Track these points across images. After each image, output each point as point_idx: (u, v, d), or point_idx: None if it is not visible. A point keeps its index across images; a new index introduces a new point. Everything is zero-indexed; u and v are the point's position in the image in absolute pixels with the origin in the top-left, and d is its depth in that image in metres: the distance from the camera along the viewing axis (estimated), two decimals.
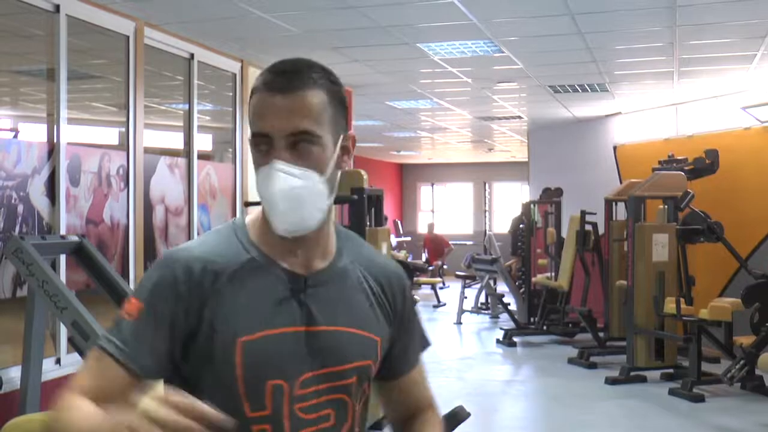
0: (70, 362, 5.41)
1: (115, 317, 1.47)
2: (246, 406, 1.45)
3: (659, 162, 9.40)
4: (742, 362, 7.23)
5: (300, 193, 1.45)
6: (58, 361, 5.47)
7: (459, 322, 13.04)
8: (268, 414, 1.46)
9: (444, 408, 2.03)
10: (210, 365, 1.45)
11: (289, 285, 1.51)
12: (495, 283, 13.98)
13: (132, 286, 5.99)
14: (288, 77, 1.47)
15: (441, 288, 16.50)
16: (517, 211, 17.33)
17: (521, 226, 12.96)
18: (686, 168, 8.94)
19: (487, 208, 21.77)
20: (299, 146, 1.45)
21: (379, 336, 1.61)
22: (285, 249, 1.53)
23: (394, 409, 1.80)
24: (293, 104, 1.45)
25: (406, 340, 1.72)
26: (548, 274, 11.67)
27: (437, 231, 19.45)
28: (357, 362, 1.56)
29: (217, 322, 1.44)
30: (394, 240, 17.80)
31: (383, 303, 1.64)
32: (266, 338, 1.46)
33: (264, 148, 1.46)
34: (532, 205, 12.44)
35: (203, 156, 7.51)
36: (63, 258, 5.39)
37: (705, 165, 8.87)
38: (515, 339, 10.95)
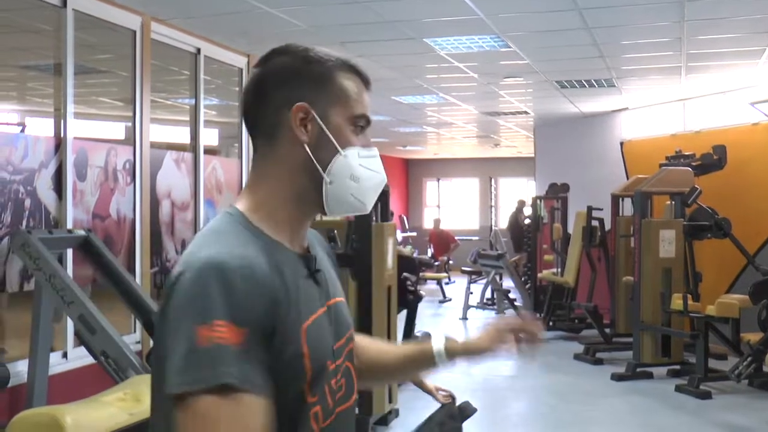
0: (77, 356, 5.41)
1: (206, 349, 1.25)
2: (308, 393, 1.42)
3: (666, 158, 9.38)
4: (749, 359, 7.21)
5: (384, 183, 1.59)
6: (64, 355, 5.48)
7: (464, 318, 13.03)
8: (320, 395, 1.46)
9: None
10: (281, 365, 1.35)
11: (305, 266, 1.51)
12: (501, 279, 13.97)
13: (138, 280, 6.00)
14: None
15: (446, 283, 16.49)
16: (514, 208, 17.46)
17: (527, 221, 12.92)
18: (693, 164, 8.92)
19: (493, 204, 21.73)
20: None
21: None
22: (291, 231, 1.52)
23: None
24: None
25: None
26: (554, 270, 11.66)
27: (443, 226, 19.43)
28: (351, 327, 1.65)
29: (288, 317, 1.38)
30: (399, 235, 17.79)
31: (335, 266, 1.73)
32: (316, 321, 1.47)
33: (360, 131, 1.55)
34: (538, 201, 12.43)
35: (209, 151, 7.51)
36: (70, 252, 5.40)
37: (712, 161, 8.85)
38: (521, 335, 10.92)
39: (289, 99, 1.49)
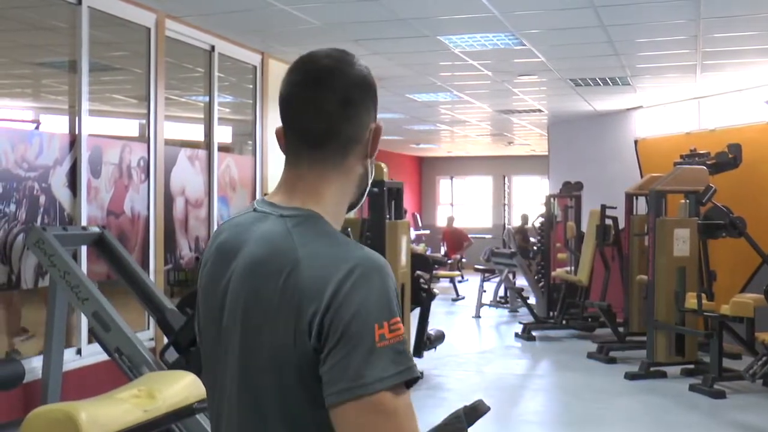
0: (91, 352, 5.44)
1: (398, 344, 1.31)
2: None
3: (681, 156, 9.34)
4: (764, 359, 7.17)
5: None
6: (79, 352, 5.51)
7: (478, 316, 13.02)
8: None
9: (463, 401, 2.02)
10: None
11: None
12: (514, 277, 13.95)
13: (152, 277, 6.02)
14: None
15: (460, 281, 16.49)
16: (519, 222, 17.51)
17: (540, 221, 12.89)
18: (708, 162, 8.88)
19: (506, 202, 21.72)
20: None
21: None
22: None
23: None
24: None
25: None
26: (568, 269, 11.63)
27: (456, 224, 19.42)
28: None
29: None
30: (413, 233, 17.79)
31: None
32: None
33: None
34: (552, 199, 12.40)
35: (223, 148, 7.52)
36: (84, 249, 5.42)
37: (727, 159, 8.81)
38: (534, 333, 10.93)
39: (370, 117, 1.53)
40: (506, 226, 19.78)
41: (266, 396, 1.38)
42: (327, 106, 1.46)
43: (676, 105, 11.00)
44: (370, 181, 1.58)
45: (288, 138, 1.51)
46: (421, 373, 8.16)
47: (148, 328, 6.23)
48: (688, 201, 8.69)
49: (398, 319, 1.32)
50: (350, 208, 1.58)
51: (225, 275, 1.47)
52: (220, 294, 1.47)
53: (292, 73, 1.50)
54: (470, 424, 2.39)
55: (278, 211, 1.46)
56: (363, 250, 1.39)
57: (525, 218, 16.95)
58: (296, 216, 1.44)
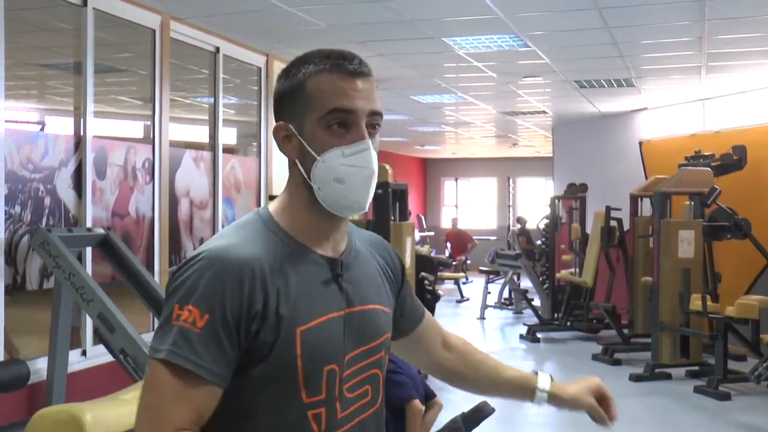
0: (96, 354, 5.44)
1: (171, 328, 1.42)
2: (303, 393, 1.49)
3: (686, 158, 9.33)
4: None
5: (376, 174, 1.58)
6: (83, 353, 5.51)
7: (482, 317, 13.01)
8: (323, 398, 1.51)
9: (468, 404, 2.03)
10: (269, 360, 1.46)
11: (329, 269, 1.57)
12: (518, 279, 13.93)
13: (157, 278, 6.02)
14: (359, 63, 1.56)
15: (464, 283, 16.48)
16: (521, 215, 17.52)
17: (544, 223, 12.87)
18: (713, 164, 8.87)
19: (510, 204, 21.69)
20: (371, 128, 1.56)
21: (389, 308, 1.73)
22: (319, 235, 1.58)
23: (428, 354, 1.94)
24: (371, 87, 1.56)
25: (410, 295, 1.88)
26: (572, 270, 11.62)
27: (461, 226, 19.41)
28: (383, 336, 1.66)
29: (279, 316, 1.46)
30: (417, 235, 17.79)
31: (389, 275, 1.77)
32: (319, 325, 1.50)
33: (339, 127, 1.53)
34: (556, 201, 12.39)
35: (228, 149, 7.53)
36: (89, 250, 5.42)
37: (732, 161, 8.79)
38: (539, 335, 10.92)
39: (278, 118, 1.59)
40: (510, 227, 19.77)
41: None
42: None
43: (681, 107, 10.99)
44: (313, 180, 1.53)
45: None
46: (425, 375, 8.15)
47: (153, 330, 6.23)
48: (692, 203, 8.67)
49: (192, 308, 1.41)
50: (326, 207, 1.55)
51: None
52: None
53: None
54: (475, 425, 2.40)
55: None
56: (215, 241, 1.50)
57: (521, 221, 16.96)
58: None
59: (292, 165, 1.59)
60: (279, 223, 1.57)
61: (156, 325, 6.05)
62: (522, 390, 1.99)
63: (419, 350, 1.93)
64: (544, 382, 2.00)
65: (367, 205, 1.59)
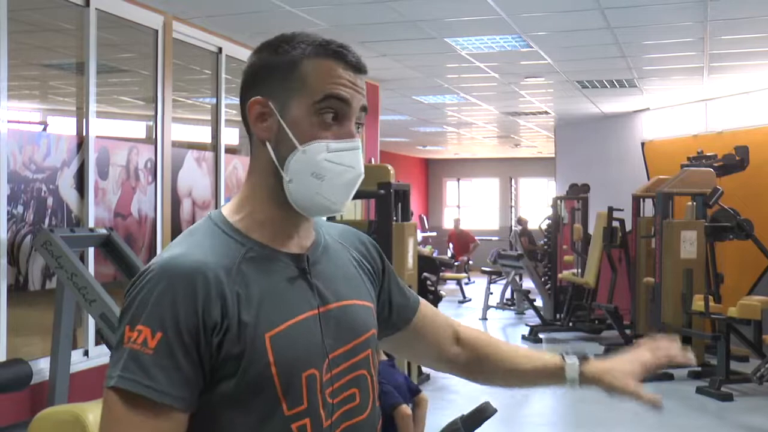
0: (98, 354, 5.45)
1: (122, 352, 1.28)
2: (284, 405, 1.35)
3: (688, 158, 9.33)
4: None
5: (362, 177, 1.45)
6: (86, 353, 5.51)
7: (484, 318, 13.01)
8: (305, 408, 1.37)
9: (470, 404, 2.02)
10: (239, 374, 1.32)
11: (295, 266, 1.43)
12: (521, 279, 13.93)
13: None
14: (357, 57, 1.45)
15: (466, 283, 16.48)
16: (521, 215, 17.53)
17: (547, 223, 12.87)
18: (715, 164, 8.87)
19: (513, 204, 21.69)
20: (356, 125, 1.44)
21: (371, 303, 1.58)
22: (280, 230, 1.44)
23: (435, 350, 1.77)
24: (362, 83, 1.45)
25: (397, 284, 1.71)
26: (575, 271, 11.62)
27: (463, 226, 19.41)
28: (367, 333, 1.52)
29: (242, 324, 1.32)
30: (419, 235, 17.78)
31: (366, 268, 1.61)
32: (291, 328, 1.37)
33: (332, 117, 1.41)
34: (559, 201, 12.39)
35: (230, 150, 7.53)
36: (91, 251, 5.43)
37: (735, 161, 8.79)
38: (541, 335, 10.92)
39: (253, 95, 1.44)
40: (513, 228, 19.77)
41: None
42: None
43: (683, 107, 10.98)
44: (284, 171, 1.40)
45: None
46: (428, 375, 8.16)
47: None
48: (695, 203, 8.67)
49: (142, 328, 1.27)
50: (294, 205, 1.41)
51: None
52: None
53: None
54: (477, 426, 2.39)
55: None
56: (165, 253, 1.36)
57: (522, 221, 16.98)
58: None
59: (258, 147, 1.44)
60: (233, 224, 1.43)
61: None
62: (553, 377, 1.75)
63: (421, 345, 1.76)
64: (572, 367, 1.72)
65: (343, 209, 1.46)
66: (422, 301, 1.76)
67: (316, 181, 1.39)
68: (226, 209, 1.46)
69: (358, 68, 1.44)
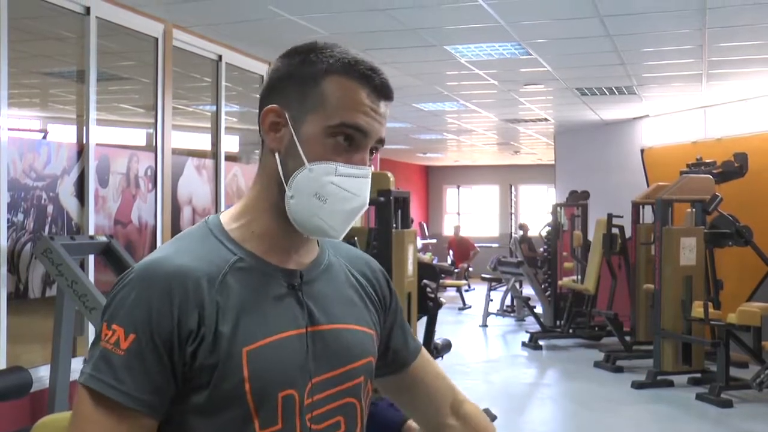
0: None
1: (97, 349, 1.28)
2: (256, 422, 1.30)
3: (687, 165, 9.34)
4: None
5: (365, 208, 1.41)
6: (86, 361, 5.50)
7: (484, 325, 13.01)
8: (279, 429, 1.32)
9: None
10: (211, 385, 1.28)
11: (285, 282, 1.38)
12: (521, 286, 13.93)
13: None
14: (387, 83, 1.39)
15: (466, 290, 16.48)
16: (524, 222, 17.58)
17: (546, 230, 12.87)
18: (714, 171, 8.88)
19: (513, 211, 21.71)
20: (370, 153, 1.40)
21: (372, 330, 1.51)
22: (277, 246, 1.40)
23: (426, 409, 1.67)
24: (386, 111, 1.40)
25: (401, 326, 1.64)
26: (574, 278, 11.63)
27: (463, 233, 19.41)
28: (362, 360, 1.45)
29: (218, 334, 1.28)
30: (419, 242, 17.79)
31: (371, 295, 1.55)
32: (272, 344, 1.32)
33: (345, 141, 1.35)
34: (558, 208, 12.40)
35: (230, 157, 7.54)
36: (92, 258, 5.44)
37: (734, 168, 8.80)
38: (541, 342, 10.92)
39: (269, 103, 1.40)
40: (513, 235, 19.77)
41: None
42: None
43: (683, 114, 11.00)
44: (288, 186, 1.36)
45: None
46: None
47: None
48: (694, 210, 8.68)
49: (117, 328, 1.27)
50: (293, 222, 1.37)
51: None
52: None
53: None
54: None
55: None
56: (151, 255, 1.35)
57: (523, 227, 17.03)
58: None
59: (267, 156, 1.41)
60: (228, 231, 1.39)
61: None
62: None
63: (414, 399, 1.66)
64: None
65: (341, 237, 1.40)
66: (425, 353, 1.67)
67: (318, 203, 1.34)
68: (225, 216, 1.43)
69: (385, 95, 1.39)
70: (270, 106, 1.39)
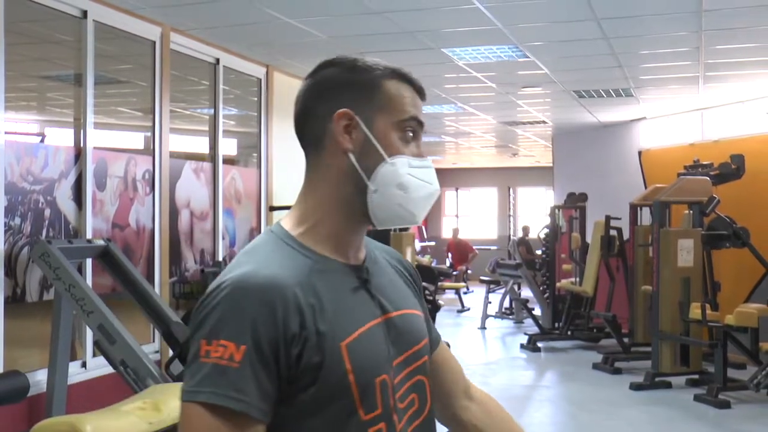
0: (96, 365, 5.45)
1: (202, 366, 1.30)
2: (361, 411, 1.39)
3: (684, 167, 9.34)
4: None
5: (438, 193, 1.55)
6: (84, 365, 5.52)
7: (483, 327, 13.01)
8: (380, 412, 1.42)
9: None
10: (318, 383, 1.35)
11: (356, 277, 1.49)
12: (519, 288, 13.94)
13: (157, 289, 6.04)
14: (421, 84, 1.57)
15: (465, 293, 16.48)
16: (526, 224, 17.61)
17: (545, 232, 12.87)
18: (712, 173, 8.89)
19: (511, 213, 21.72)
20: None
21: (421, 312, 1.64)
22: (341, 242, 1.49)
23: (445, 394, 1.76)
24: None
25: (427, 313, 1.74)
26: (573, 279, 11.63)
27: (461, 236, 19.42)
28: (423, 340, 1.58)
29: (320, 334, 1.36)
30: (418, 245, 17.80)
31: (411, 282, 1.69)
32: (363, 336, 1.42)
33: (410, 135, 1.50)
34: (556, 210, 12.41)
35: (228, 160, 7.55)
36: (89, 262, 5.44)
37: (731, 170, 8.81)
38: (539, 344, 10.92)
39: (334, 108, 1.47)
40: (511, 237, 19.78)
41: None
42: (295, 107, 1.53)
43: (680, 116, 11.01)
44: (370, 181, 1.45)
45: None
46: None
47: (154, 341, 6.25)
48: (691, 212, 8.69)
49: (226, 343, 1.29)
50: (367, 218, 1.48)
51: None
52: None
53: None
54: None
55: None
56: (236, 269, 1.37)
57: (526, 230, 17.08)
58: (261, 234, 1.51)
59: (333, 158, 1.48)
60: (296, 237, 1.47)
61: (155, 337, 6.06)
62: None
63: (433, 384, 1.70)
64: None
65: (421, 222, 1.55)
66: (443, 341, 1.80)
67: (400, 192, 1.47)
68: (287, 223, 1.51)
69: (423, 95, 1.56)
70: (341, 111, 1.47)
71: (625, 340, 9.85)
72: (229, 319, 1.31)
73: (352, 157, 1.46)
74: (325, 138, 1.48)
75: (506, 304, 14.23)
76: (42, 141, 6.44)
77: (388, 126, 1.48)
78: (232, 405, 1.27)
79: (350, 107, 1.47)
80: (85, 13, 5.51)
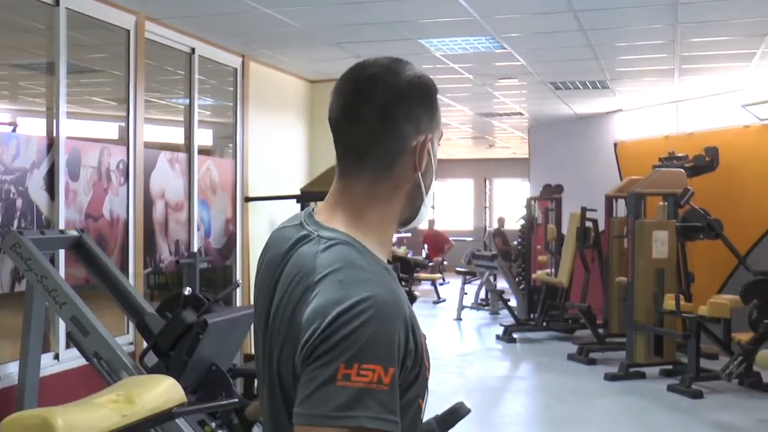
0: (69, 357, 5.41)
1: (345, 391, 1.23)
2: (422, 400, 1.46)
3: (659, 159, 9.41)
4: (740, 358, 7.25)
5: None
6: (56, 357, 5.47)
7: (459, 318, 13.04)
8: (426, 398, 1.48)
9: (444, 404, 2.03)
10: (416, 383, 1.39)
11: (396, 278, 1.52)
12: (495, 279, 13.99)
13: (132, 281, 5.99)
14: None
15: (441, 284, 16.50)
16: (502, 216, 17.63)
17: (521, 223, 12.91)
18: (686, 165, 8.95)
19: (487, 205, 21.76)
20: None
21: None
22: (386, 248, 1.53)
23: None
24: None
25: None
26: (548, 271, 11.68)
27: (437, 227, 19.44)
28: None
29: (419, 340, 1.38)
30: (394, 236, 17.79)
31: None
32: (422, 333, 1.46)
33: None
34: (532, 202, 12.45)
35: (204, 151, 7.50)
36: (62, 253, 5.39)
37: (705, 162, 8.88)
38: (515, 335, 10.96)
39: (416, 129, 1.47)
40: (487, 228, 19.83)
41: (271, 410, 1.45)
42: (363, 117, 1.45)
43: (655, 108, 11.07)
44: (426, 196, 1.55)
45: (335, 148, 1.51)
46: None
47: (128, 333, 6.20)
48: (666, 203, 8.75)
49: (374, 367, 1.25)
50: (404, 224, 1.58)
51: (268, 289, 1.48)
52: (260, 310, 1.50)
53: (340, 81, 1.52)
54: (451, 425, 2.39)
55: (318, 231, 1.44)
56: (376, 286, 1.33)
57: (501, 221, 17.13)
58: (331, 240, 1.41)
59: (408, 176, 1.50)
60: (371, 250, 1.45)
61: (129, 329, 5.99)
62: None
63: None
64: None
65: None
66: None
67: (428, 200, 1.58)
68: (360, 234, 1.46)
69: None
70: (426, 136, 1.50)
71: (600, 330, 9.92)
72: (376, 343, 1.27)
73: (420, 176, 1.51)
74: (401, 156, 1.48)
75: (482, 295, 14.27)
76: (14, 130, 6.37)
77: (435, 144, 1.54)
78: (390, 428, 1.26)
79: (427, 129, 1.50)
80: (57, 1, 5.43)
